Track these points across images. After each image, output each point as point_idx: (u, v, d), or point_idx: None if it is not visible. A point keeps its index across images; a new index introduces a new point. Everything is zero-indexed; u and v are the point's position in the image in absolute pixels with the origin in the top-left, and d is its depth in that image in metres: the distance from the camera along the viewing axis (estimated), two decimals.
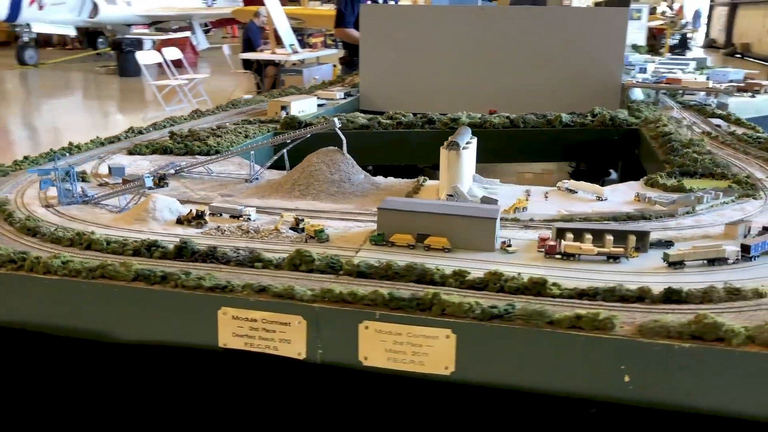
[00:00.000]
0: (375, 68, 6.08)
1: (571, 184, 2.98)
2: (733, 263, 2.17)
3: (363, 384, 1.91)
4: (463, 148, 2.82)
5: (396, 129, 4.45)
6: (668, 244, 2.32)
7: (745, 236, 2.37)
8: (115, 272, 1.99)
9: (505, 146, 4.48)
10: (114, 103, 16.22)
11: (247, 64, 15.77)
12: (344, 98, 5.78)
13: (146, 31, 24.11)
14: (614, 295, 1.90)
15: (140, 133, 4.08)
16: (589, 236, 2.26)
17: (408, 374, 1.86)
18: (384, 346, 1.86)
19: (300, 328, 1.89)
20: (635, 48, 10.61)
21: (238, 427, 2.05)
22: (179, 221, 2.48)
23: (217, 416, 2.07)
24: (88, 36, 27.21)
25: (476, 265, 2.14)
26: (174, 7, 25.88)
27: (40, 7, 23.10)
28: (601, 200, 2.88)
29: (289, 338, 1.90)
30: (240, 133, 3.97)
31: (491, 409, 1.86)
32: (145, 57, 14.53)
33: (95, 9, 24.04)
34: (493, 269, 2.00)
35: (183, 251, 2.13)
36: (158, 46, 17.79)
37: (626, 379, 1.74)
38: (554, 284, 1.94)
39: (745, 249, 2.21)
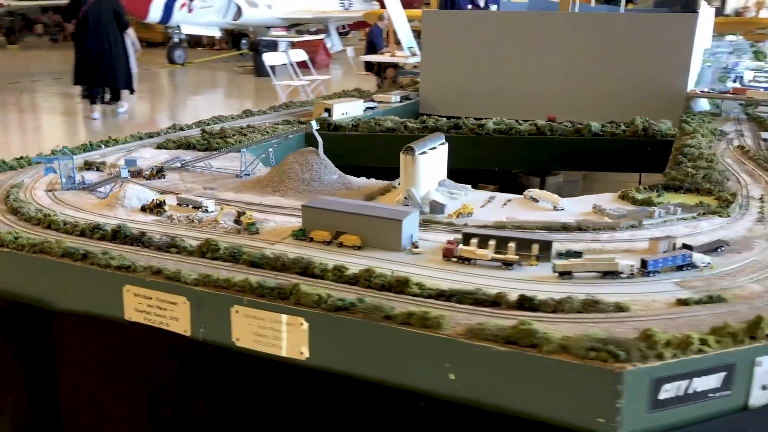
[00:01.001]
0: (435, 73, 6.20)
1: (535, 193, 3.01)
2: (628, 277, 2.17)
3: (236, 363, 2.11)
4: (421, 153, 2.93)
5: (422, 133, 4.57)
6: (577, 255, 2.34)
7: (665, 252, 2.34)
8: (49, 248, 2.31)
9: (531, 154, 4.49)
10: (249, 100, 17.24)
11: (369, 66, 16.26)
12: (399, 102, 5.95)
13: (283, 33, 25.27)
14: (470, 298, 1.98)
15: (181, 129, 4.47)
16: (492, 242, 2.32)
17: (271, 357, 2.03)
18: (251, 329, 2.04)
19: (185, 308, 2.12)
20: (757, 55, 10.02)
21: (130, 389, 2.31)
22: (143, 209, 2.78)
23: (113, 380, 2.35)
24: (233, 37, 28.88)
25: (376, 263, 2.27)
26: (312, 10, 26.91)
27: (190, 10, 24.76)
28: (557, 210, 2.89)
29: (177, 316, 2.13)
30: (267, 132, 4.25)
31: (339, 394, 2.00)
32: (271, 58, 15.29)
33: (239, 12, 25.46)
34: (389, 267, 2.14)
35: (117, 234, 2.42)
36: (293, 48, 18.64)
37: (451, 376, 1.83)
38: (417, 284, 2.04)
39: (643, 264, 2.19)
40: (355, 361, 1.94)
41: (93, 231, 2.46)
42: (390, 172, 3.94)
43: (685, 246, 2.32)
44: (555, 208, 2.90)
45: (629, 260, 2.20)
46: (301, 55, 15.66)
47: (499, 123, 4.56)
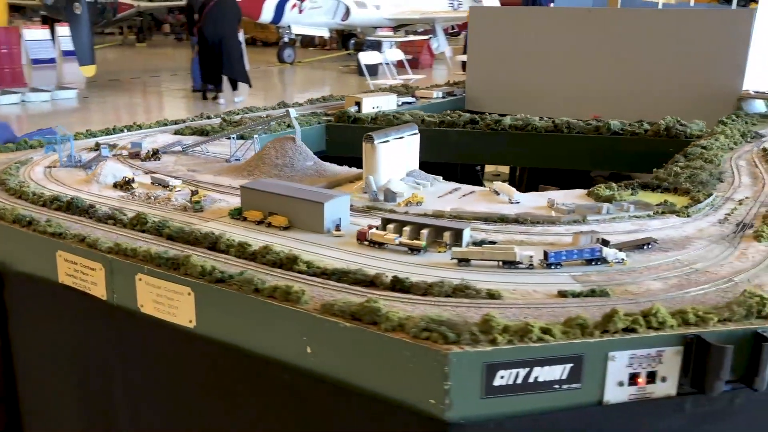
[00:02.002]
0: (482, 69, 6.17)
1: (497, 186, 2.98)
2: (527, 268, 2.14)
3: (143, 328, 2.24)
4: (383, 142, 2.97)
5: (438, 128, 4.58)
6: (491, 244, 2.32)
7: None
8: (2, 214, 2.54)
9: (547, 151, 4.40)
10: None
11: (466, 66, 16.22)
12: (442, 98, 5.95)
13: (389, 33, 25.57)
14: (350, 278, 2.02)
15: (208, 117, 4.70)
16: (407, 228, 2.34)
17: (169, 323, 2.16)
18: (151, 297, 2.17)
19: (101, 274, 2.27)
20: None
21: (65, 352, 2.50)
22: (114, 185, 2.98)
23: (53, 340, 2.54)
24: (342, 38, 29.49)
25: (296, 244, 2.35)
26: (419, 11, 27.05)
27: (300, 11, 25.50)
28: (512, 203, 2.86)
29: (95, 282, 2.29)
30: (282, 123, 4.39)
31: (222, 363, 2.10)
32: (366, 57, 15.53)
33: (347, 12, 25.98)
34: (306, 249, 2.23)
35: (70, 205, 2.62)
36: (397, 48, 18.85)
37: (309, 350, 1.88)
38: (306, 262, 2.10)
39: (545, 256, 2.16)
40: (232, 331, 2.03)
41: (52, 202, 2.67)
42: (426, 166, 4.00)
43: (602, 241, 2.25)
44: (510, 201, 2.87)
45: (530, 251, 2.17)
46: (397, 54, 15.80)
47: (516, 119, 4.50)
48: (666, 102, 5.29)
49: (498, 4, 12.67)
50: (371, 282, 2.00)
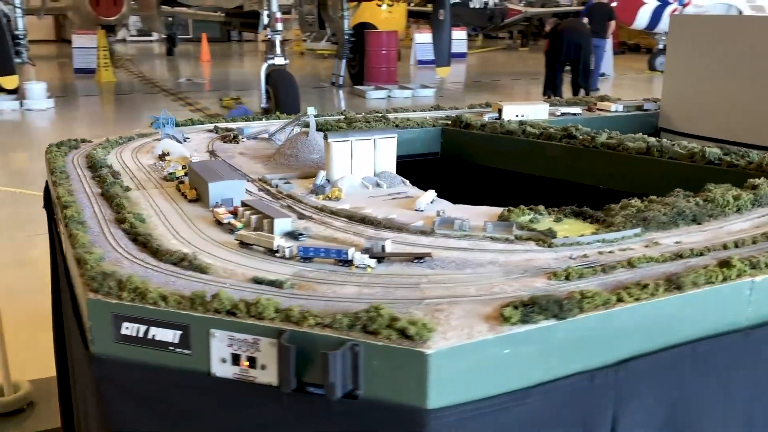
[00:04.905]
0: (681, 84, 5.61)
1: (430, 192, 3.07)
2: (285, 257, 2.35)
3: None
4: (338, 142, 3.26)
5: (536, 139, 4.48)
6: (300, 235, 2.54)
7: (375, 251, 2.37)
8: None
9: (633, 174, 4.02)
10: None
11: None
12: (622, 111, 5.60)
13: None
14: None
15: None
16: (246, 212, 2.69)
17: None
18: None
19: None
20: None
21: None
22: (158, 157, 3.78)
23: None
24: None
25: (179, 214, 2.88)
26: None
27: None
28: (416, 210, 2.93)
29: None
30: (366, 122, 4.74)
31: None
32: None
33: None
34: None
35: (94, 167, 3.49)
36: None
37: None
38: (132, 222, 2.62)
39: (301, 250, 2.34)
40: None
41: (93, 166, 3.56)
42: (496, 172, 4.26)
43: (382, 247, 2.32)
44: (417, 209, 2.94)
45: (292, 243, 2.37)
46: None
47: (611, 137, 4.19)
48: None
49: None
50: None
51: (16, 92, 15.94)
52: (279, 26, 13.79)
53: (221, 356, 1.95)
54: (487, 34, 39.17)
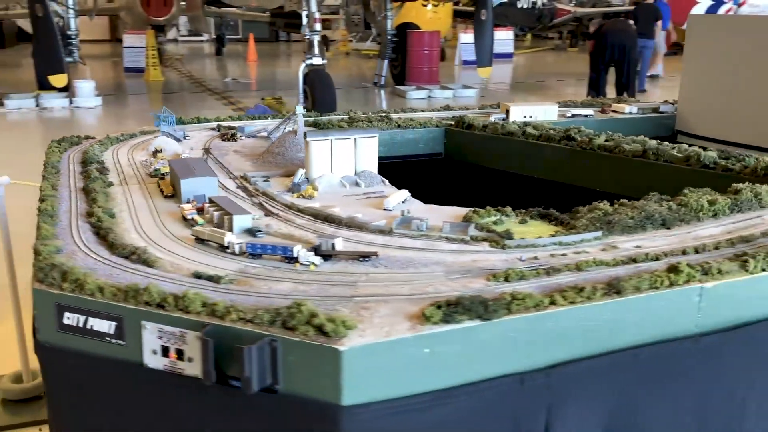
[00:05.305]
0: (699, 87, 5.46)
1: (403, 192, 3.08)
2: (234, 253, 2.39)
3: None
4: (317, 140, 3.29)
5: (536, 141, 4.44)
6: (257, 232, 2.57)
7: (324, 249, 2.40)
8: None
9: (627, 177, 3.94)
10: None
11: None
12: (636, 113, 5.49)
13: None
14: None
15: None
16: (216, 211, 2.73)
17: None
18: None
19: None
20: None
21: None
22: (152, 154, 3.87)
23: None
24: None
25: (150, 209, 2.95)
26: None
27: None
28: (386, 210, 2.94)
29: None
30: (369, 122, 4.76)
31: None
32: None
33: None
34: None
35: (85, 162, 3.60)
36: None
37: None
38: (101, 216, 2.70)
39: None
40: None
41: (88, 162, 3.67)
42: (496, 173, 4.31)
43: (332, 245, 2.35)
44: (384, 208, 2.95)
45: (244, 239, 2.41)
46: None
47: (609, 140, 4.12)
48: None
49: None
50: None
51: (67, 90, 16.37)
52: (317, 26, 13.85)
53: (152, 348, 2.00)
54: (535, 34, 38.69)
